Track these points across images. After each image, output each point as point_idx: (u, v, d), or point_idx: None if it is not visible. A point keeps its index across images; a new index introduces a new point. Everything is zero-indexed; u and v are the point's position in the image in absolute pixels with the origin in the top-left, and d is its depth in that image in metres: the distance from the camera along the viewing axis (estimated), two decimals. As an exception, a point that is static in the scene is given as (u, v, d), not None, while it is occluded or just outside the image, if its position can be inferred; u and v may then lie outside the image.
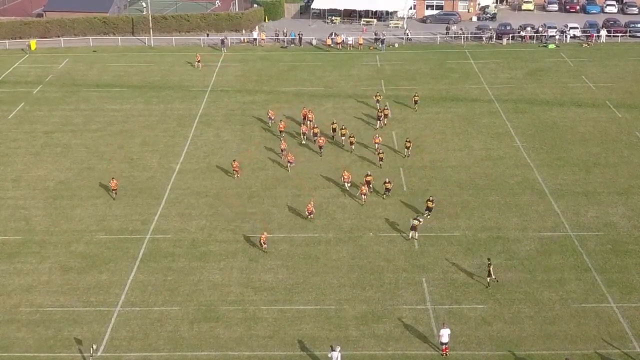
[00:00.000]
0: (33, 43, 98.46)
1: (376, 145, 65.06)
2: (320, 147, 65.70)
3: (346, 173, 59.22)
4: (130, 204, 58.29)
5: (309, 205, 54.91)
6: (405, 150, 64.71)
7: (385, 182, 57.66)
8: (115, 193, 58.60)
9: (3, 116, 76.20)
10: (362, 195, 56.72)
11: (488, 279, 46.75)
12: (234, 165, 61.31)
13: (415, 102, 75.06)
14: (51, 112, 77.24)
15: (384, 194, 57.48)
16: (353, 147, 65.86)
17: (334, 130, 68.77)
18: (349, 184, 58.86)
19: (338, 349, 39.82)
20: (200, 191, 60.12)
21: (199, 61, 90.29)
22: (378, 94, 76.43)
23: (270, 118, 71.56)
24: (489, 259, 47.98)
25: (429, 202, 54.80)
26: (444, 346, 41.12)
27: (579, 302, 45.88)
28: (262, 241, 50.80)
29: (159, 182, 61.77)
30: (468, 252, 50.94)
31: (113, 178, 59.07)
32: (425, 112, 74.72)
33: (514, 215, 55.41)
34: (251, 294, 47.06)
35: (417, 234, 51.99)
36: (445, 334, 40.97)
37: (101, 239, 53.50)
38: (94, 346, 41.30)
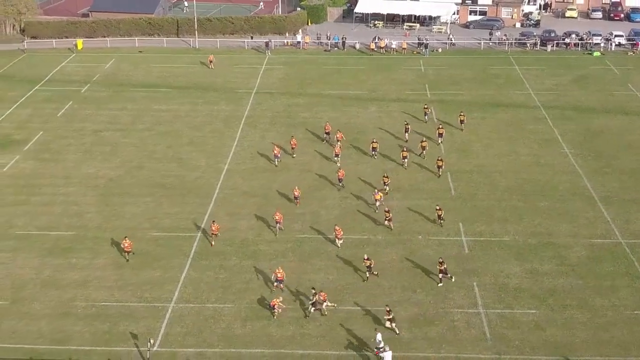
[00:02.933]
0: (79, 42, 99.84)
1: (376, 202, 56.73)
2: (340, 180, 60.32)
3: (338, 227, 52.39)
4: (180, 202, 58.96)
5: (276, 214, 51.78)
6: (438, 169, 61.92)
7: (437, 209, 54.59)
8: (128, 254, 50.97)
9: (52, 114, 77.40)
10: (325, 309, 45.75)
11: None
12: (214, 229, 52.74)
13: (461, 121, 71.45)
14: (99, 110, 78.29)
15: (440, 221, 54.49)
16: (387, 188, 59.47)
17: (423, 148, 65.44)
18: (341, 241, 52.29)
19: (379, 335, 40.13)
20: (248, 191, 60.64)
21: (211, 61, 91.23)
22: (426, 106, 75.36)
23: (276, 156, 64.59)
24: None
25: (439, 265, 47.64)
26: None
27: (631, 309, 45.65)
28: (274, 306, 44.83)
29: (207, 182, 62.38)
30: (519, 257, 50.87)
31: (126, 237, 51.41)
32: (471, 117, 74.55)
33: (564, 221, 55.21)
34: (302, 294, 47.38)
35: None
36: (380, 339, 41.02)
37: (153, 236, 54.17)
38: (151, 340, 41.85)
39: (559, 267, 49.70)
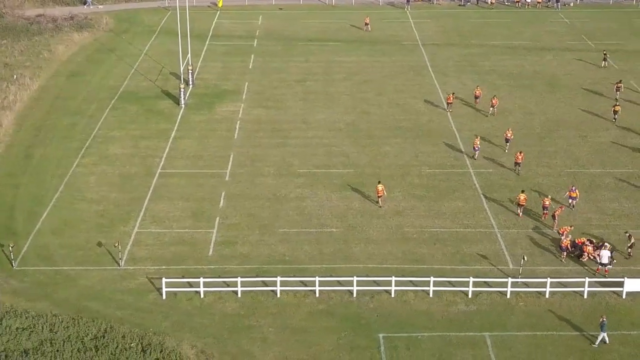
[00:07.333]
0: (220, 0, 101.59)
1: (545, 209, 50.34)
2: (517, 164, 56.04)
3: None
4: (430, 143, 61.72)
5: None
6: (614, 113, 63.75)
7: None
8: (382, 200, 51.66)
9: (244, 66, 79.59)
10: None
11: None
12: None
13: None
14: (285, 63, 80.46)
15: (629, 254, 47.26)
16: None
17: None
18: None
19: None
20: (488, 133, 63.30)
21: (367, 24, 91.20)
22: (605, 52, 77.63)
23: (475, 148, 58.15)
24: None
25: (629, 239, 46.64)
26: (603, 267, 44.47)
27: None
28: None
29: (440, 125, 65.08)
30: None
31: (379, 182, 52.49)
32: (647, 64, 78.19)
33: None
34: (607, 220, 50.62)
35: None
36: (605, 256, 44.43)
37: (429, 173, 56.95)
38: (525, 257, 44.77)
39: None
